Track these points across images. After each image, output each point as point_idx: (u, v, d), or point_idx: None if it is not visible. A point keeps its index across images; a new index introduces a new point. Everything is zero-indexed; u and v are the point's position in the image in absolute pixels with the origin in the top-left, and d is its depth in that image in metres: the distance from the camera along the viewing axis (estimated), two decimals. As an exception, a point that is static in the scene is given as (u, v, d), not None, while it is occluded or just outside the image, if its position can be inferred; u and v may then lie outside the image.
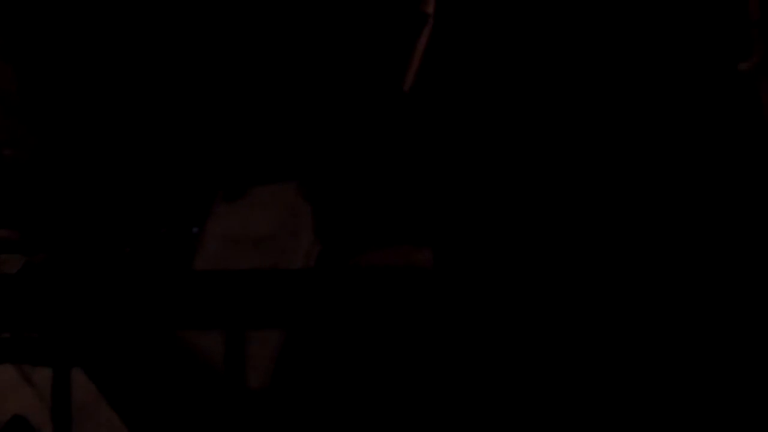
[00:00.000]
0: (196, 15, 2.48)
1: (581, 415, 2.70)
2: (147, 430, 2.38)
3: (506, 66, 2.24)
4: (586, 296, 2.39)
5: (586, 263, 2.33)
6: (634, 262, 2.42)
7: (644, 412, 2.89)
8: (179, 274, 2.38)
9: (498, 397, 2.23)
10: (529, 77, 2.23)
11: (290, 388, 2.27)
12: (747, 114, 2.60)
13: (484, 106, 2.18)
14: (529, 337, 2.24)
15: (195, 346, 2.29)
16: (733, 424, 2.89)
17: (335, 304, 2.14)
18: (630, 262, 2.41)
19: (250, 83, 2.49)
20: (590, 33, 2.30)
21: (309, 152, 2.38)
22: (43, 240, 2.56)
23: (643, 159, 2.36)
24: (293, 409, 2.28)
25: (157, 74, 2.51)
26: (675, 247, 2.78)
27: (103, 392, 2.40)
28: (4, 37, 2.56)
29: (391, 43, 2.24)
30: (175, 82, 2.52)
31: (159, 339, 2.36)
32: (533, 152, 2.25)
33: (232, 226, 2.40)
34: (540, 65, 2.24)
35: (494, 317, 2.22)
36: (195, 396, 2.35)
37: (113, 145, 2.44)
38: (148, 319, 2.21)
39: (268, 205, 2.47)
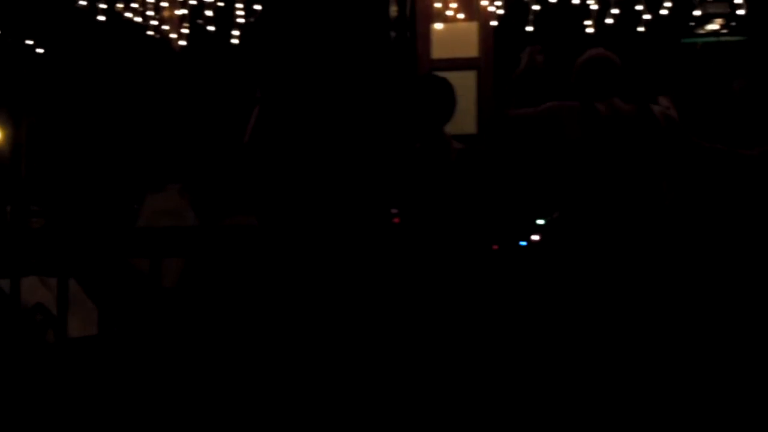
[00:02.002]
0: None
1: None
2: (108, 313, 4.47)
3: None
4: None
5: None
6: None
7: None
8: (128, 228, 4.56)
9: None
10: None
11: (190, 289, 4.43)
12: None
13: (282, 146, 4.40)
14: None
15: (136, 266, 4.45)
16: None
17: (213, 241, 4.33)
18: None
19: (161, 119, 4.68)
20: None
21: (192, 164, 4.59)
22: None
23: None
24: (194, 303, 4.42)
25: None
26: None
27: (86, 291, 4.49)
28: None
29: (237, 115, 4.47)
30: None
31: (116, 263, 4.47)
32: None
33: (155, 204, 4.59)
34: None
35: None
36: (133, 295, 4.46)
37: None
38: (112, 251, 4.35)
39: (173, 194, 4.66)
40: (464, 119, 5.09)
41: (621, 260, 4.00)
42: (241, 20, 5.34)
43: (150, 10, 5.49)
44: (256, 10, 5.25)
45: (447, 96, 4.17)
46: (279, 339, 3.98)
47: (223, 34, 5.35)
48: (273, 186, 4.24)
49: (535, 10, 5.38)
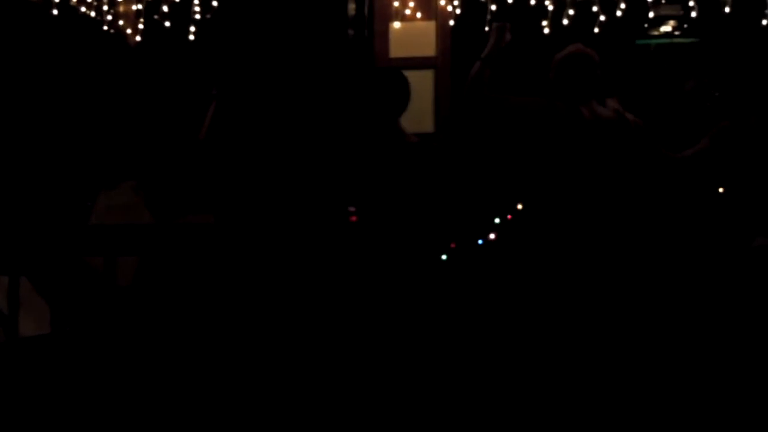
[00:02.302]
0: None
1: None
2: (61, 312, 4.41)
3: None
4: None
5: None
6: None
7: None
8: (81, 226, 4.50)
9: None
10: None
11: (145, 287, 4.39)
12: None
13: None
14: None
15: (91, 264, 4.40)
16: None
17: (168, 239, 4.29)
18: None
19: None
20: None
21: (146, 161, 4.56)
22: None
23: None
24: (147, 300, 4.38)
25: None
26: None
27: (36, 289, 4.43)
28: None
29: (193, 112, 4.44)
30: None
31: (68, 261, 4.41)
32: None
33: (109, 202, 4.53)
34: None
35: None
36: (87, 293, 4.41)
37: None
38: (64, 249, 4.30)
39: (127, 191, 4.61)
40: (422, 118, 5.13)
41: (588, 261, 3.98)
42: (197, 16, 5.32)
43: (105, 5, 5.45)
44: (213, 7, 5.23)
45: (401, 87, 4.11)
46: (234, 337, 3.97)
47: (180, 30, 5.32)
48: (230, 183, 4.22)
49: (492, 11, 5.42)
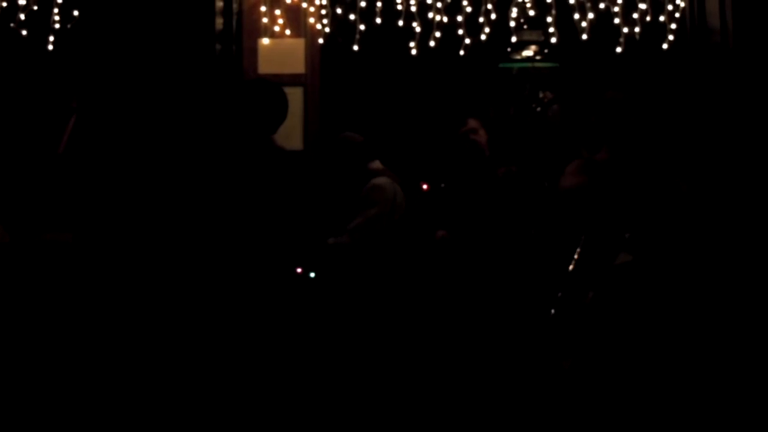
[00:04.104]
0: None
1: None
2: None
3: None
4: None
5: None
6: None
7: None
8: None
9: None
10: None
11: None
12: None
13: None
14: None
15: None
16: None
17: (23, 259, 4.08)
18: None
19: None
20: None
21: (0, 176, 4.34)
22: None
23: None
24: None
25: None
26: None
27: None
28: None
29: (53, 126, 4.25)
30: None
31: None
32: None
33: None
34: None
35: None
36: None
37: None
38: None
39: None
40: (291, 135, 5.14)
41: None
42: (57, 26, 5.13)
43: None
44: (74, 16, 5.05)
45: (278, 101, 4.05)
46: (89, 361, 3.83)
47: (38, 39, 5.12)
48: (89, 200, 4.07)
49: (362, 30, 5.48)
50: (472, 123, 4.98)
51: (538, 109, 4.74)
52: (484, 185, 4.72)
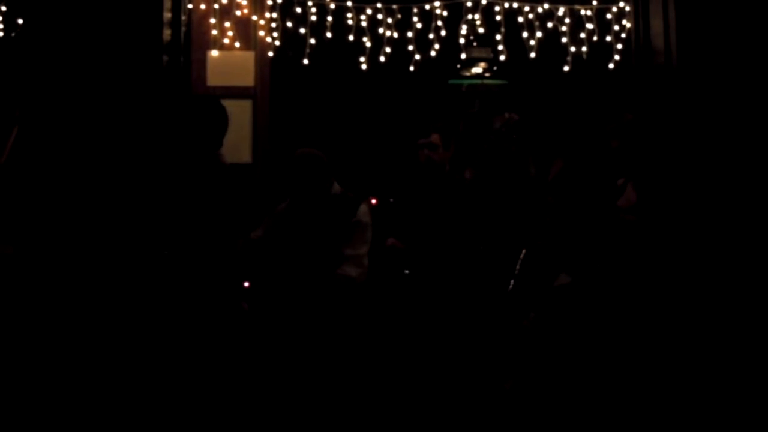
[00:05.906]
0: None
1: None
2: None
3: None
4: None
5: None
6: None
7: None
8: None
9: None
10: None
11: None
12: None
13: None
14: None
15: None
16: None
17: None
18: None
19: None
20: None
21: None
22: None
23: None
24: None
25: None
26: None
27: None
28: None
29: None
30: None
31: None
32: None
33: None
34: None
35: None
36: None
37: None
38: None
39: None
40: (239, 148, 5.10)
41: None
42: (0, 34, 5.04)
43: None
44: (18, 25, 4.96)
45: (218, 115, 4.00)
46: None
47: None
48: (31, 212, 3.98)
49: (312, 44, 5.49)
50: (434, 138, 4.91)
51: (503, 129, 4.75)
52: (438, 199, 4.69)
